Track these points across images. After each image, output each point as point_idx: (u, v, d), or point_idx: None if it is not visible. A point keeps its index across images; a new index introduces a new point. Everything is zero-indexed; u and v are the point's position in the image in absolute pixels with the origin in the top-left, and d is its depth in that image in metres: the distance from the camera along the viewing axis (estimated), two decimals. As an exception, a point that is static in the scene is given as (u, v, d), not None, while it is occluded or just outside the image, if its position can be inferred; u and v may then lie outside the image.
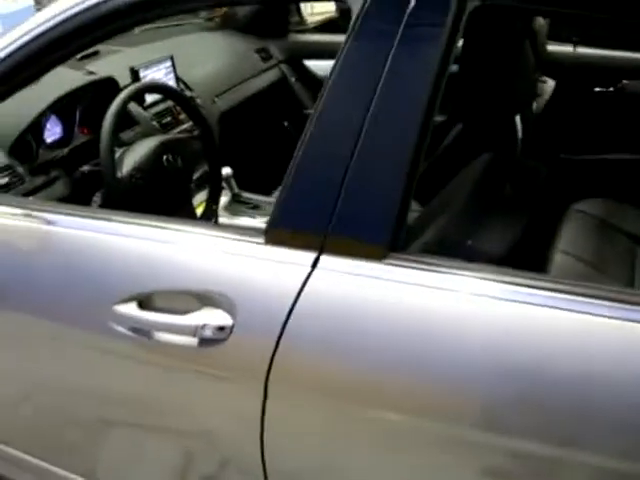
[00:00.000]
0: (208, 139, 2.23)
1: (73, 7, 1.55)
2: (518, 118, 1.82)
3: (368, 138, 1.27)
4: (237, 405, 1.43)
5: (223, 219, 2.40)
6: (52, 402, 1.76)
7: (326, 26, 3.37)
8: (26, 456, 1.86)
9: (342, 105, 1.32)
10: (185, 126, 2.58)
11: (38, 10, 5.84)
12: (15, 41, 1.62)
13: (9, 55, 1.63)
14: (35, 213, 1.66)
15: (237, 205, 2.46)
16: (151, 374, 1.52)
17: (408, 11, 1.27)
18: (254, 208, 2.47)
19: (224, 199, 2.43)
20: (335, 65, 1.32)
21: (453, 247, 1.46)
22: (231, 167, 2.44)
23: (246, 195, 2.50)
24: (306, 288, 1.30)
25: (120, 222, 1.55)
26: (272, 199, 2.55)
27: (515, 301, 1.18)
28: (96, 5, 1.52)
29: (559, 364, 1.14)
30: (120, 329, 1.47)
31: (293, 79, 3.20)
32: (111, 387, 1.60)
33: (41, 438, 1.86)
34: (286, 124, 3.19)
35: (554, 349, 1.15)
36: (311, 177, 1.34)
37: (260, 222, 2.41)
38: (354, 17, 1.31)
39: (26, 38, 1.61)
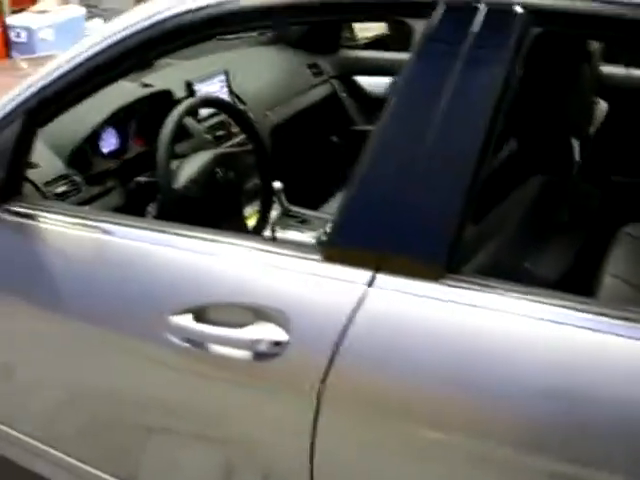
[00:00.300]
0: (261, 153, 2.26)
1: (138, 23, 1.58)
2: (575, 141, 1.82)
3: (428, 158, 1.28)
4: (288, 418, 1.44)
5: (271, 232, 2.42)
6: (101, 408, 1.79)
7: (376, 43, 3.39)
8: (72, 459, 1.89)
9: (403, 124, 1.33)
10: (237, 139, 2.61)
11: (89, 19, 5.91)
12: (79, 55, 1.65)
13: (73, 69, 1.66)
14: (92, 223, 1.70)
15: (286, 219, 2.47)
16: (204, 385, 1.54)
17: (473, 33, 1.28)
18: (303, 222, 2.48)
19: (273, 212, 2.45)
20: (398, 83, 1.34)
21: (508, 269, 1.46)
22: (280, 180, 2.46)
23: (295, 209, 2.52)
24: (361, 306, 1.31)
25: (176, 234, 1.57)
26: (321, 214, 2.56)
27: (565, 324, 1.19)
28: (161, 22, 1.55)
29: (606, 388, 1.15)
30: (175, 340, 1.49)
31: (343, 95, 3.22)
32: (162, 396, 1.63)
33: (88, 443, 1.89)
34: (335, 139, 3.21)
35: (601, 373, 1.16)
36: (370, 195, 1.35)
37: (309, 237, 2.42)
38: (419, 37, 1.33)
39: (90, 52, 1.64)
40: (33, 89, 1.71)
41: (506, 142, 1.78)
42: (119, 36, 1.60)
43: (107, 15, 7.39)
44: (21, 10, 6.27)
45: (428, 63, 1.33)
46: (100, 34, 1.68)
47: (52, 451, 1.92)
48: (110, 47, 1.61)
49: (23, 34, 6.08)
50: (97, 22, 6.81)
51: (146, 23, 1.57)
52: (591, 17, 1.24)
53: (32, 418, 1.98)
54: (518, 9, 1.26)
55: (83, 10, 6.52)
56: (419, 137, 1.29)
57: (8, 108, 1.74)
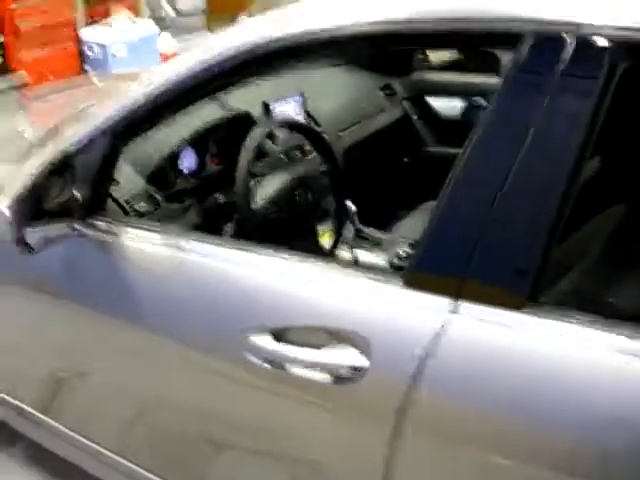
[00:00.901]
0: (336, 175, 2.28)
1: (229, 47, 1.61)
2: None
3: (515, 186, 1.28)
4: (364, 443, 1.45)
5: (343, 253, 2.43)
6: (177, 422, 1.83)
7: (450, 65, 3.39)
8: (143, 471, 1.93)
9: (490, 152, 1.34)
10: (310, 159, 2.64)
11: (159, 35, 5.98)
12: (168, 79, 1.70)
13: (161, 93, 1.70)
14: (171, 240, 1.73)
15: (358, 240, 2.48)
16: (281, 405, 1.56)
17: (561, 65, 1.28)
18: (375, 244, 2.49)
19: (346, 233, 2.47)
20: (485, 113, 1.35)
21: (588, 300, 1.45)
22: (351, 201, 2.48)
23: (367, 231, 2.53)
24: (443, 334, 1.32)
25: (256, 254, 1.60)
26: (392, 236, 2.57)
27: None
28: (250, 50, 1.58)
29: None
30: (254, 359, 1.51)
31: (415, 117, 3.23)
32: (239, 414, 1.65)
33: (161, 456, 1.93)
34: (406, 160, 3.21)
35: None
36: (453, 222, 1.36)
37: (380, 259, 2.43)
38: (507, 67, 1.33)
39: (179, 77, 1.67)
40: (120, 110, 1.75)
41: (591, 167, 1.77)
42: (208, 61, 1.63)
43: (176, 30, 7.55)
44: (94, 22, 6.40)
45: (516, 94, 1.33)
46: (187, 58, 1.72)
47: (124, 461, 1.96)
48: (200, 71, 1.64)
49: (96, 49, 6.23)
50: (165, 36, 6.94)
51: (237, 48, 1.60)
52: None
53: (106, 428, 2.03)
54: (605, 42, 1.25)
55: (157, 29, 6.63)
56: (506, 166, 1.29)
57: (95, 127, 1.79)
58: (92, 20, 6.41)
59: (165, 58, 6.33)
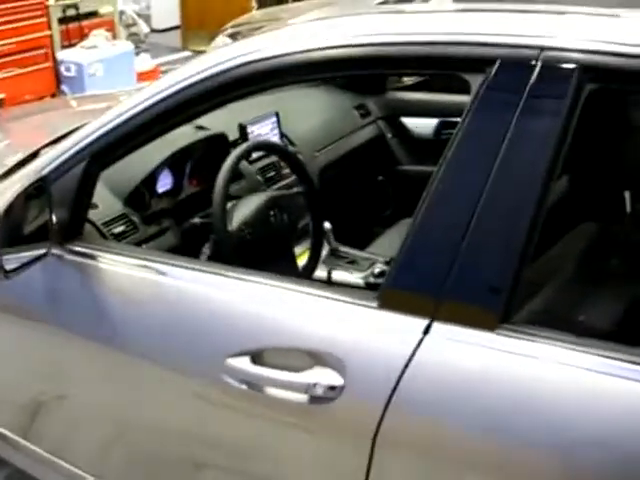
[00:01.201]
0: (312, 195, 2.30)
1: (205, 70, 1.64)
2: (626, 191, 1.84)
3: (487, 206, 1.31)
4: (341, 462, 1.47)
5: (319, 272, 2.45)
6: (154, 443, 1.83)
7: (420, 84, 3.43)
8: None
9: (462, 173, 1.37)
10: (287, 181, 2.66)
11: (137, 53, 6.02)
12: (144, 101, 1.71)
13: (138, 114, 1.72)
14: (149, 264, 1.74)
15: (334, 259, 2.51)
16: (259, 426, 1.57)
17: (528, 88, 1.31)
18: (351, 262, 2.52)
19: (322, 252, 2.49)
20: (455, 134, 1.37)
21: (560, 318, 1.48)
22: (327, 220, 2.50)
23: (343, 249, 2.56)
24: (417, 354, 1.34)
25: (232, 278, 1.62)
26: (368, 254, 2.60)
27: (614, 375, 1.21)
28: (228, 70, 1.61)
29: None
30: (231, 381, 1.53)
31: (389, 135, 3.27)
32: (216, 435, 1.66)
33: (137, 475, 1.93)
34: (380, 179, 3.25)
35: None
36: (427, 242, 1.39)
37: (357, 278, 2.45)
38: (474, 90, 1.36)
39: (155, 99, 1.69)
40: (98, 133, 1.77)
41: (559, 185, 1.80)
42: (185, 83, 1.65)
43: (153, 50, 7.57)
44: (71, 45, 6.42)
45: (483, 114, 1.36)
46: (163, 82, 1.74)
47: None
48: (176, 93, 1.66)
49: (73, 68, 6.22)
50: (144, 57, 6.96)
51: (214, 70, 1.62)
52: None
53: (86, 451, 2.03)
54: (572, 66, 1.29)
55: (132, 46, 6.65)
56: (477, 186, 1.32)
57: (72, 151, 1.80)
58: (69, 42, 6.42)
59: (142, 77, 6.35)
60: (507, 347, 1.28)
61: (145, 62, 6.81)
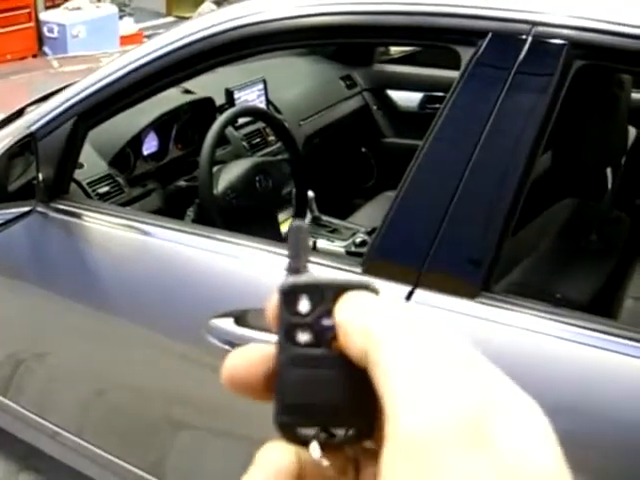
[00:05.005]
0: (297, 162, 2.32)
1: (194, 33, 1.64)
2: (609, 170, 1.87)
3: (471, 179, 1.33)
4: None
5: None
6: (133, 401, 1.86)
7: (408, 57, 3.43)
8: (98, 450, 1.95)
9: (448, 145, 1.39)
10: (273, 148, 2.67)
11: (121, 17, 5.98)
12: (134, 61, 1.71)
13: (127, 74, 1.72)
14: (134, 224, 1.75)
15: (316, 227, 2.53)
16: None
17: (518, 62, 1.33)
18: (333, 232, 2.54)
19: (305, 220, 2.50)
20: (444, 107, 1.39)
21: (538, 291, 1.51)
22: (310, 189, 2.52)
23: (325, 218, 2.57)
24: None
25: (218, 240, 1.63)
26: (349, 224, 2.62)
27: (586, 344, 1.25)
28: (212, 35, 1.61)
29: (621, 408, 1.21)
30: (215, 341, 1.55)
31: (375, 107, 3.27)
32: (198, 394, 1.69)
33: (117, 434, 1.95)
34: (364, 150, 3.26)
35: (613, 391, 1.22)
36: (412, 212, 1.41)
37: (338, 246, 2.47)
38: (464, 63, 1.38)
39: (146, 59, 1.69)
40: (86, 92, 1.77)
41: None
42: (175, 45, 1.66)
43: (137, 14, 7.50)
44: (55, 6, 6.36)
45: (472, 88, 1.38)
46: (152, 43, 1.74)
47: (83, 443, 1.98)
48: (166, 55, 1.66)
49: (55, 29, 6.17)
50: (128, 21, 6.90)
51: (203, 34, 1.63)
52: (634, 53, 1.29)
53: (63, 408, 2.05)
54: (562, 42, 1.31)
55: (116, 9, 6.60)
56: (462, 159, 1.34)
57: (60, 109, 1.80)
58: (53, 3, 6.35)
59: (125, 41, 6.30)
60: (486, 315, 1.31)
61: (129, 26, 6.76)
